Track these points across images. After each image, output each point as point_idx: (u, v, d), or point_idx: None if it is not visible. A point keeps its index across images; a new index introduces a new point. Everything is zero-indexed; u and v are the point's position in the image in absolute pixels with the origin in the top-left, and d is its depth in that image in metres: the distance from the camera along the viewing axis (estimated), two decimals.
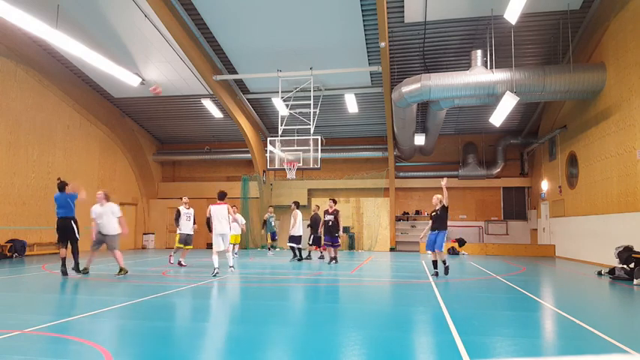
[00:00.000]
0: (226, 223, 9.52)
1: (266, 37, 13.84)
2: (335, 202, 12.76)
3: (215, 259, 9.29)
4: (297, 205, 13.95)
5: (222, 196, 9.82)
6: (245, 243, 20.37)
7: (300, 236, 13.62)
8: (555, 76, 12.26)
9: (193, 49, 13.83)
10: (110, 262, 11.41)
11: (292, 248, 13.71)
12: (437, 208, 9.53)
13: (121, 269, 9.08)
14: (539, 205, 18.59)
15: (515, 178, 19.86)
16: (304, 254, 14.32)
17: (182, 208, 11.56)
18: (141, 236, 20.98)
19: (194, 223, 11.73)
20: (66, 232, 9.00)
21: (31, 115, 14.96)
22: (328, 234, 12.35)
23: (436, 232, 9.35)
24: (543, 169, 17.98)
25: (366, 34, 13.45)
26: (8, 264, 11.88)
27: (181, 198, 12.16)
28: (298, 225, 13.44)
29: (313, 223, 13.93)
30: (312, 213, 14.18)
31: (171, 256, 12.06)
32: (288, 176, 14.54)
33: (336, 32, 13.39)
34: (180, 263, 11.30)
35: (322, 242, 13.35)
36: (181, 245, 11.41)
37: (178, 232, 11.42)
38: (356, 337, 4.41)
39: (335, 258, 12.35)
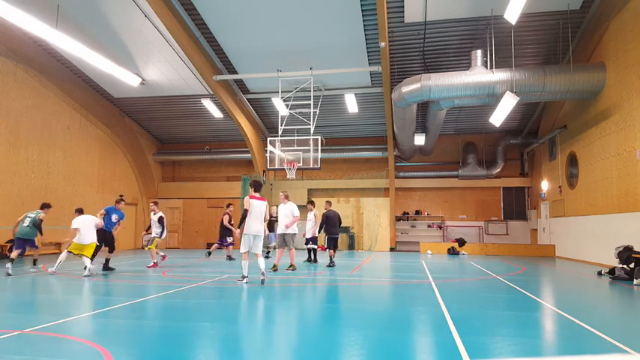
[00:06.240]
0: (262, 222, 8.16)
1: (266, 37, 13.83)
2: None
3: (244, 264, 8.13)
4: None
5: (258, 187, 8.34)
6: None
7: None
8: (555, 76, 12.25)
9: (193, 49, 13.82)
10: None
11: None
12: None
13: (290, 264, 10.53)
14: (539, 205, 18.59)
15: (515, 178, 19.86)
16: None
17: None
18: (141, 236, 20.95)
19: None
20: None
21: (31, 115, 14.96)
22: None
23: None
24: (543, 169, 17.97)
25: (366, 34, 13.45)
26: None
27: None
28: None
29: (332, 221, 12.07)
30: (325, 210, 12.39)
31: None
32: (288, 176, 14.53)
33: (336, 32, 13.38)
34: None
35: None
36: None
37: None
38: (356, 337, 4.41)
39: None
